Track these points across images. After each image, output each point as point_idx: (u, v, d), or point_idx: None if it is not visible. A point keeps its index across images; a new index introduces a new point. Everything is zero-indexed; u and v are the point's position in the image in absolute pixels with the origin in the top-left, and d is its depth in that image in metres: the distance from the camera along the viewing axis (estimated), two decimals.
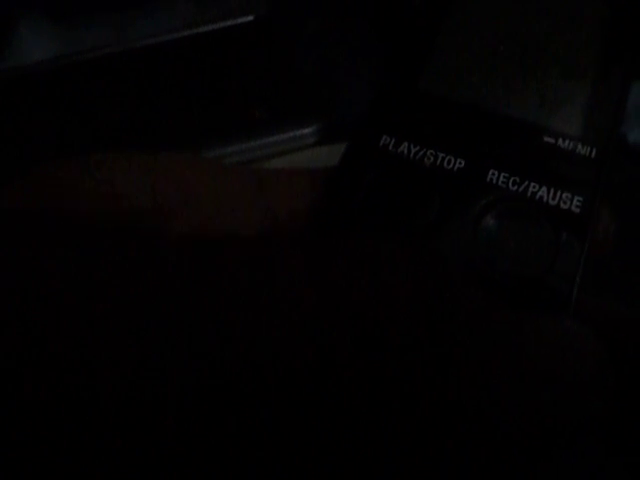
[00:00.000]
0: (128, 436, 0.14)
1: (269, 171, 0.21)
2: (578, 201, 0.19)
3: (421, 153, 0.20)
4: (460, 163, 0.20)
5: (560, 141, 0.20)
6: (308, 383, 0.15)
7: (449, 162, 0.20)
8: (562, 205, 0.19)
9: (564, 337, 0.17)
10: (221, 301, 0.15)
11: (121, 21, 0.59)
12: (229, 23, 0.59)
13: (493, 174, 0.20)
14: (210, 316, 0.15)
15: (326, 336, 0.15)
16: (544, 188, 0.19)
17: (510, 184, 0.19)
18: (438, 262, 0.17)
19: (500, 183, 0.20)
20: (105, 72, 0.57)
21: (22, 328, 0.14)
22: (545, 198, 0.19)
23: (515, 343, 0.16)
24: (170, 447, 0.14)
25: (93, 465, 0.14)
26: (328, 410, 0.15)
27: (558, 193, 0.19)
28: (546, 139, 0.20)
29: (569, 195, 0.19)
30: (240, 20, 0.59)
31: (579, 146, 0.20)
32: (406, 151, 0.20)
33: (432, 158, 0.20)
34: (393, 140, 0.20)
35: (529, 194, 0.19)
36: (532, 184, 0.19)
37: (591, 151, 0.20)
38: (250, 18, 0.59)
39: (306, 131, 0.53)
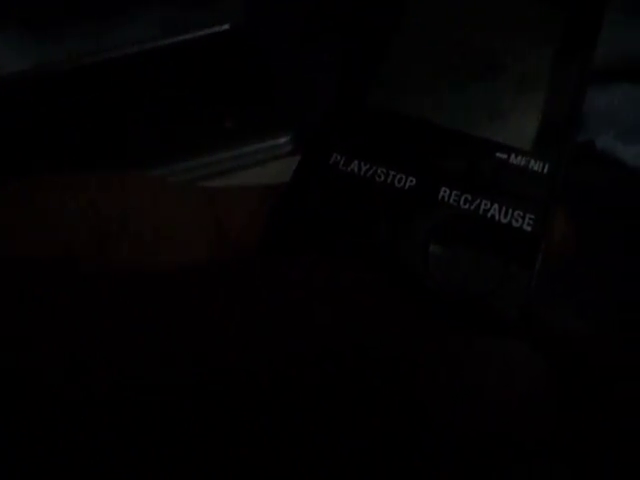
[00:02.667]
0: (123, 437, 0.14)
1: (219, 188, 0.20)
2: (530, 219, 0.19)
3: (371, 171, 0.20)
4: (411, 181, 0.19)
5: (512, 157, 0.20)
6: (303, 389, 0.15)
7: (400, 180, 0.20)
8: (514, 223, 0.19)
9: (506, 358, 0.17)
10: (215, 307, 0.16)
11: (95, 31, 0.59)
12: (204, 32, 0.59)
13: (444, 192, 0.19)
14: (203, 322, 0.15)
15: (310, 347, 0.15)
16: (495, 206, 0.19)
17: (462, 202, 0.19)
18: (389, 284, 0.17)
19: (452, 201, 0.19)
20: (78, 82, 0.56)
21: (16, 329, 0.15)
22: (497, 216, 0.19)
23: (460, 363, 0.16)
24: (166, 448, 0.14)
25: (88, 465, 0.14)
26: (325, 416, 0.15)
27: (510, 211, 0.19)
28: (498, 155, 0.20)
29: (521, 213, 0.19)
30: (215, 29, 0.59)
31: (531, 162, 0.20)
32: (356, 169, 0.20)
33: (383, 176, 0.20)
34: (343, 158, 0.20)
35: (480, 212, 0.19)
36: (484, 202, 0.19)
37: (543, 167, 0.20)
38: (226, 27, 0.59)
39: (280, 141, 0.53)
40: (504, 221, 0.19)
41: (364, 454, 0.15)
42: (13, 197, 0.19)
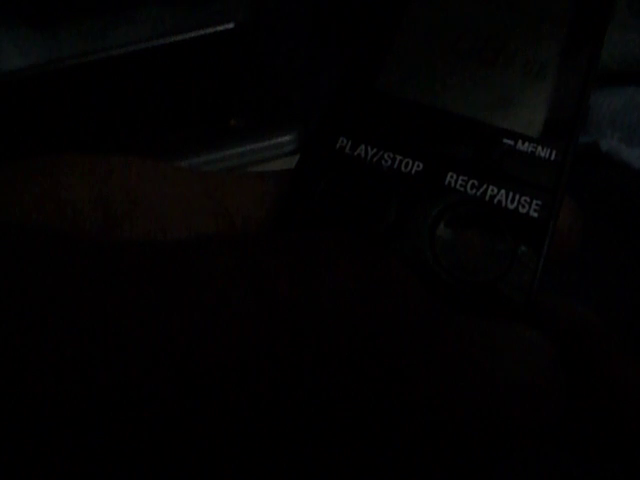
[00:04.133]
0: (122, 436, 0.14)
1: (223, 175, 0.20)
2: (537, 205, 0.19)
3: (378, 156, 0.20)
4: (418, 166, 0.19)
5: (519, 143, 0.20)
6: (308, 379, 0.15)
7: (407, 165, 0.19)
8: (520, 209, 0.19)
9: (515, 343, 0.17)
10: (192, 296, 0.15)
11: (100, 28, 0.59)
12: (210, 30, 0.59)
13: (451, 177, 0.19)
14: (195, 312, 0.15)
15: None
16: (502, 192, 0.19)
17: (468, 188, 0.19)
18: (388, 261, 0.17)
19: (458, 186, 0.19)
20: (84, 79, 0.57)
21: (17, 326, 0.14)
22: (503, 202, 0.19)
23: (463, 346, 0.16)
24: (164, 446, 0.14)
25: (81, 467, 0.14)
26: (331, 406, 0.15)
27: (517, 197, 0.19)
28: (505, 141, 0.20)
29: (527, 199, 0.19)
30: (220, 27, 0.59)
31: (539, 148, 0.20)
32: (363, 154, 0.20)
33: (389, 161, 0.19)
34: (350, 142, 0.20)
35: (487, 198, 0.19)
36: (490, 187, 0.19)
37: (551, 153, 0.20)
38: (231, 25, 0.59)
39: (284, 139, 0.53)
40: (511, 207, 0.19)
41: (372, 442, 0.15)
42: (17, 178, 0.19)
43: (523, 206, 0.19)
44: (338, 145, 0.20)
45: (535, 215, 0.19)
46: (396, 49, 0.21)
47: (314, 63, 0.57)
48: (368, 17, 0.22)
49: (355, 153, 0.20)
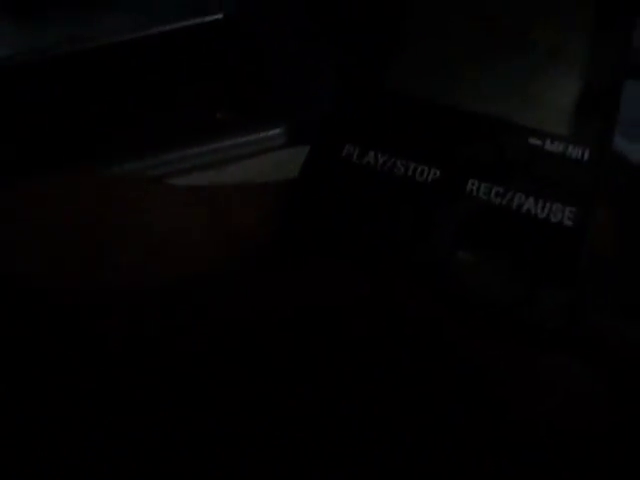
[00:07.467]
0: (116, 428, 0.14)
1: (221, 188, 0.19)
2: (570, 212, 0.17)
3: (390, 163, 0.18)
4: (435, 173, 0.17)
5: (548, 143, 0.18)
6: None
7: (422, 172, 0.17)
8: (552, 218, 0.17)
9: (551, 373, 0.16)
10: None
11: (85, 17, 0.58)
12: (198, 21, 0.58)
13: (473, 184, 0.17)
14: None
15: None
16: (531, 199, 0.17)
17: (492, 195, 0.17)
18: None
19: (481, 194, 0.17)
20: (67, 69, 0.55)
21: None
22: (533, 210, 0.17)
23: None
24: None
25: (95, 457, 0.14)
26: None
27: (547, 204, 0.17)
28: (532, 141, 0.18)
29: (560, 206, 0.17)
30: (209, 18, 0.58)
31: (569, 147, 0.18)
32: (373, 161, 0.18)
33: (403, 169, 0.18)
34: (358, 149, 0.18)
35: (514, 206, 0.17)
36: (517, 194, 0.17)
37: (583, 153, 0.18)
38: (219, 16, 0.58)
39: (274, 132, 0.52)
40: (541, 216, 0.17)
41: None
42: (9, 210, 0.18)
43: (555, 214, 0.17)
44: (345, 152, 0.18)
45: (569, 224, 0.17)
46: (405, 43, 0.19)
47: (303, 56, 0.56)
48: (371, 10, 0.20)
49: (364, 161, 0.18)
